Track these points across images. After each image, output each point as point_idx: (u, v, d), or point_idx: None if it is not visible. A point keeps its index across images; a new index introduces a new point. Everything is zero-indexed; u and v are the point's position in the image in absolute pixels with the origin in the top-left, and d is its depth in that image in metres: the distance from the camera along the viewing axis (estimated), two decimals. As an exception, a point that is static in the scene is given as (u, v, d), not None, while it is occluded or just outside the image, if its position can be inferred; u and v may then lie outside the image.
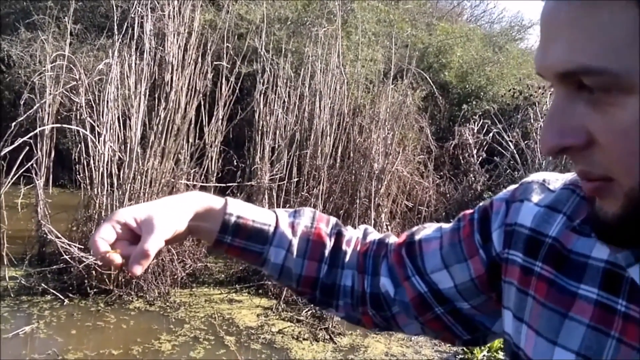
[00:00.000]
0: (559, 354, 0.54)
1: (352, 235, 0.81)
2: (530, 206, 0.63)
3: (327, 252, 0.78)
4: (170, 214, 0.71)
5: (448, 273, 0.70)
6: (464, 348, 4.10)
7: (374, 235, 0.83)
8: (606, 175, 0.45)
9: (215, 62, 5.17)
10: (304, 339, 4.04)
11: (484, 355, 4.01)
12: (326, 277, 0.78)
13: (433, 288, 0.71)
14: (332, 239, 0.79)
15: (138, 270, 0.67)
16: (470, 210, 0.72)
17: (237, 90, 5.29)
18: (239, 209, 0.76)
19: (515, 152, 6.85)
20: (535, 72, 0.49)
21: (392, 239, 0.79)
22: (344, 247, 0.79)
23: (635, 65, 0.40)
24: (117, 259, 0.68)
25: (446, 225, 0.75)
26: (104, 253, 0.67)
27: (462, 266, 0.69)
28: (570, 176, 0.63)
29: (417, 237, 0.75)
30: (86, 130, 4.44)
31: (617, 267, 0.52)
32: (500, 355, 4.03)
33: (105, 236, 0.69)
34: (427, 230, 0.76)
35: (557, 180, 0.64)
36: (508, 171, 7.11)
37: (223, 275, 4.96)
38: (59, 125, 4.90)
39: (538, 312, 0.57)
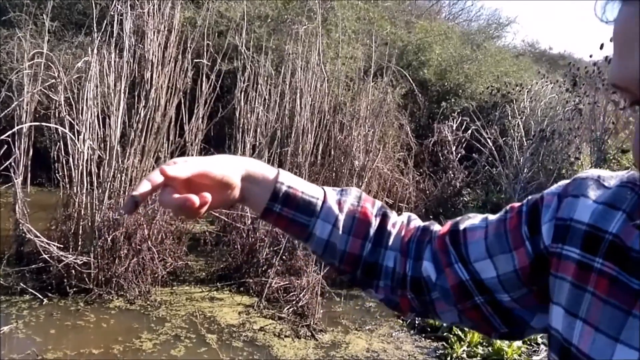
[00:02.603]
0: (621, 350, 0.54)
1: (397, 219, 0.82)
2: (589, 203, 0.62)
3: (372, 231, 0.79)
4: (220, 160, 0.73)
5: (492, 262, 0.70)
6: (444, 343, 4.16)
7: (417, 221, 0.83)
8: None
9: (195, 60, 5.15)
10: (285, 336, 4.07)
11: (463, 350, 4.07)
12: (369, 255, 0.78)
13: (475, 277, 0.71)
14: (378, 219, 0.80)
15: (166, 168, 0.67)
16: (519, 203, 0.72)
17: (217, 88, 5.29)
18: (290, 180, 0.77)
19: (493, 149, 6.94)
20: (611, 84, 0.50)
21: (437, 227, 0.80)
22: (389, 228, 0.80)
23: None
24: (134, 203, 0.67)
25: (492, 216, 0.75)
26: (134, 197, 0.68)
27: (506, 257, 0.69)
28: (625, 173, 0.64)
29: (462, 226, 0.76)
30: (65, 129, 4.40)
31: None
32: (480, 350, 4.10)
33: (153, 178, 0.69)
34: (472, 220, 0.76)
35: (611, 177, 0.64)
36: (486, 168, 7.21)
37: (204, 274, 4.95)
38: (37, 123, 4.84)
39: (599, 309, 0.57)
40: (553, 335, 0.63)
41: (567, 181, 0.68)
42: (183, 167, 0.68)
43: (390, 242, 0.79)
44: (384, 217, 0.80)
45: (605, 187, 0.63)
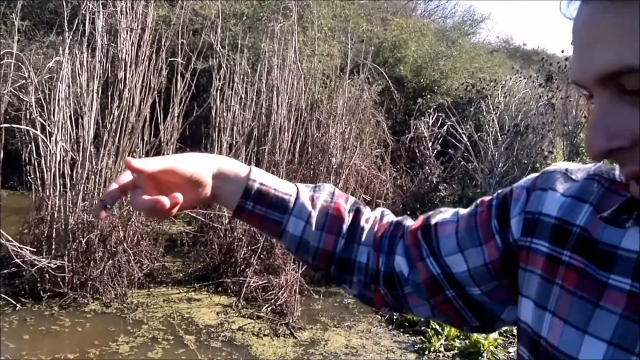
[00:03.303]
0: (589, 342, 0.54)
1: (370, 215, 0.82)
2: (557, 196, 0.63)
3: (345, 226, 0.79)
4: (190, 157, 0.73)
5: (462, 256, 0.70)
6: (422, 338, 4.20)
7: (390, 217, 0.83)
8: None
9: (170, 59, 5.10)
10: (264, 335, 4.06)
11: (441, 344, 4.11)
12: (342, 251, 0.78)
13: (446, 271, 0.71)
14: (351, 215, 0.80)
15: (131, 159, 0.68)
16: (489, 197, 0.73)
17: (192, 87, 5.24)
18: (262, 177, 0.78)
19: (468, 144, 7.02)
20: (571, 81, 0.51)
21: (409, 222, 0.80)
22: (362, 223, 0.80)
23: None
24: (103, 212, 0.68)
25: (463, 210, 0.75)
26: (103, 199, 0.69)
27: (476, 250, 0.69)
28: (592, 166, 0.64)
29: (433, 221, 0.76)
30: (36, 130, 4.32)
31: None
32: (457, 343, 4.15)
33: (121, 180, 0.70)
34: (444, 214, 0.77)
35: (579, 170, 0.64)
36: (462, 163, 7.29)
37: (181, 275, 4.91)
38: (7, 125, 4.74)
39: (567, 301, 0.57)
40: (522, 329, 0.63)
41: (536, 174, 0.68)
42: (149, 161, 0.69)
43: (363, 238, 0.79)
44: (357, 213, 0.80)
45: (572, 180, 0.63)
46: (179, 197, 0.69)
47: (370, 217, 0.81)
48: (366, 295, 0.80)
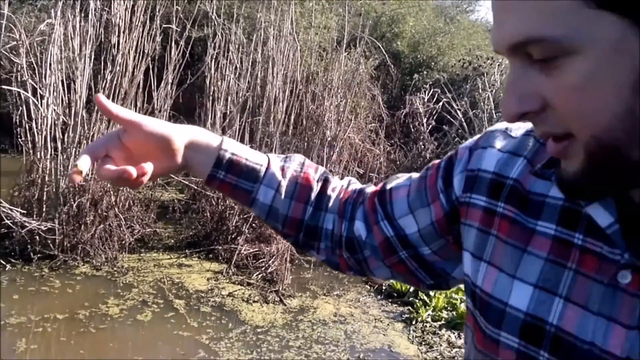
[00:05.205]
0: (518, 286, 0.57)
1: (338, 183, 0.85)
2: (494, 152, 0.65)
3: (313, 195, 0.82)
4: (162, 121, 0.74)
5: (413, 218, 0.73)
6: (410, 308, 4.24)
7: (356, 185, 0.87)
8: (568, 132, 0.48)
9: (164, 26, 5.04)
10: (254, 302, 4.09)
11: (428, 315, 4.16)
12: (310, 219, 0.82)
13: (399, 233, 0.75)
14: (319, 184, 0.83)
15: (101, 97, 0.71)
16: (439, 160, 0.76)
17: (187, 55, 5.19)
18: (234, 147, 0.79)
19: (463, 120, 7.01)
20: (493, 50, 0.53)
21: (371, 189, 0.83)
22: (329, 192, 0.83)
23: (574, 30, 0.43)
24: (77, 176, 0.68)
25: (416, 174, 0.79)
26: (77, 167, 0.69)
27: (425, 210, 0.72)
28: (530, 124, 0.65)
29: (389, 186, 0.79)
30: (28, 93, 4.28)
31: (574, 204, 0.55)
32: (444, 314, 4.20)
33: (93, 147, 0.72)
34: (399, 179, 0.80)
35: (519, 128, 0.66)
36: (456, 139, 7.29)
37: (172, 241, 4.92)
38: (-2, 87, 4.70)
39: (501, 250, 0.60)
40: (465, 281, 0.66)
41: (480, 135, 0.71)
42: (117, 106, 0.71)
43: (329, 205, 0.82)
44: (325, 182, 0.83)
45: (511, 137, 0.66)
46: (147, 167, 0.70)
47: (337, 186, 0.84)
48: (333, 260, 0.84)
